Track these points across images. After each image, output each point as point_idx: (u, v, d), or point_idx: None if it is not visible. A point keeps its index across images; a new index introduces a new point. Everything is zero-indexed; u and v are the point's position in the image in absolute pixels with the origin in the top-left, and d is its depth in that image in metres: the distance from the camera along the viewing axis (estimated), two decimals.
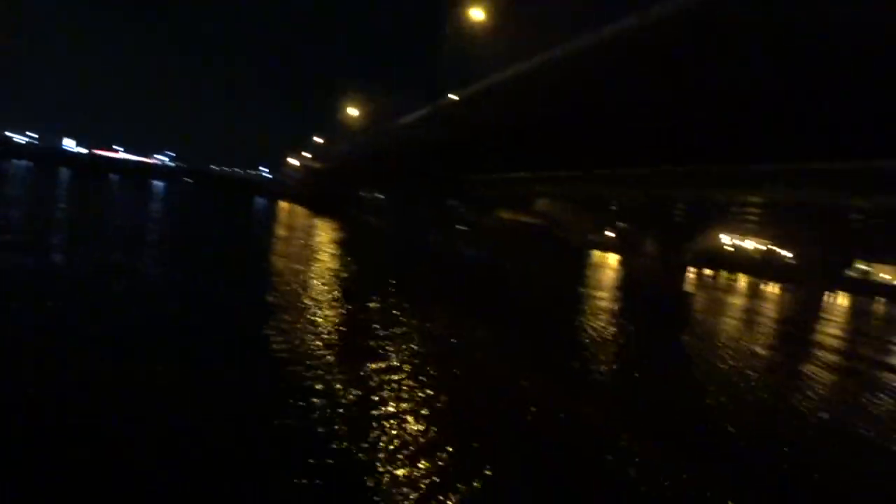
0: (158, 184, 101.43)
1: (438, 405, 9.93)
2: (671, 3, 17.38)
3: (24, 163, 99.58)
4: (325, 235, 41.59)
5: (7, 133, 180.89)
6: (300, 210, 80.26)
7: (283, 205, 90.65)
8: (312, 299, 17.10)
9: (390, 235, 57.49)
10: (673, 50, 18.72)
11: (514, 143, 36.04)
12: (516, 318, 20.50)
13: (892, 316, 52.15)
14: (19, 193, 41.73)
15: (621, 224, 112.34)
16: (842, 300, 60.40)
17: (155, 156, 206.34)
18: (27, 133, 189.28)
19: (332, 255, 30.74)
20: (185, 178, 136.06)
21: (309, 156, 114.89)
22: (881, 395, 15.41)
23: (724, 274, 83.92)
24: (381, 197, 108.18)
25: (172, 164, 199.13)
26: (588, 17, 22.98)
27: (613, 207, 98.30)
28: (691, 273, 67.99)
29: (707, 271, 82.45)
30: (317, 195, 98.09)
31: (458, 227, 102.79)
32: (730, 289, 52.98)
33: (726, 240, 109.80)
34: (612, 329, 19.19)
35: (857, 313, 45.43)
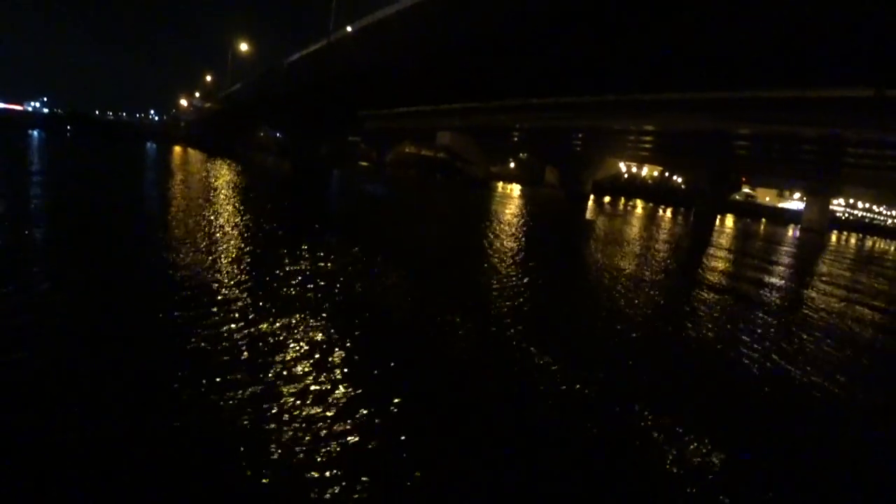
0: (34, 133, 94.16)
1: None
2: None
3: None
4: (222, 178, 39.90)
5: None
6: (195, 153, 76.67)
7: (177, 149, 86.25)
8: (210, 238, 16.50)
9: (290, 175, 55.92)
10: None
11: (412, 76, 35.40)
12: (415, 250, 20.40)
13: (771, 235, 55.61)
14: None
15: (522, 155, 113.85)
16: (729, 223, 63.86)
17: (28, 102, 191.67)
18: None
19: (230, 196, 29.57)
20: (67, 127, 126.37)
21: (200, 96, 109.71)
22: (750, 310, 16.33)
23: (622, 200, 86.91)
24: (279, 136, 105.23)
25: (46, 110, 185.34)
26: None
27: (515, 139, 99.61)
28: (591, 201, 70.18)
29: (606, 199, 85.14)
30: (212, 137, 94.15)
31: (360, 163, 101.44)
32: (627, 214, 54.84)
33: (623, 167, 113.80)
34: (509, 260, 19.39)
35: (742, 235, 48.08)
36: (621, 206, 68.32)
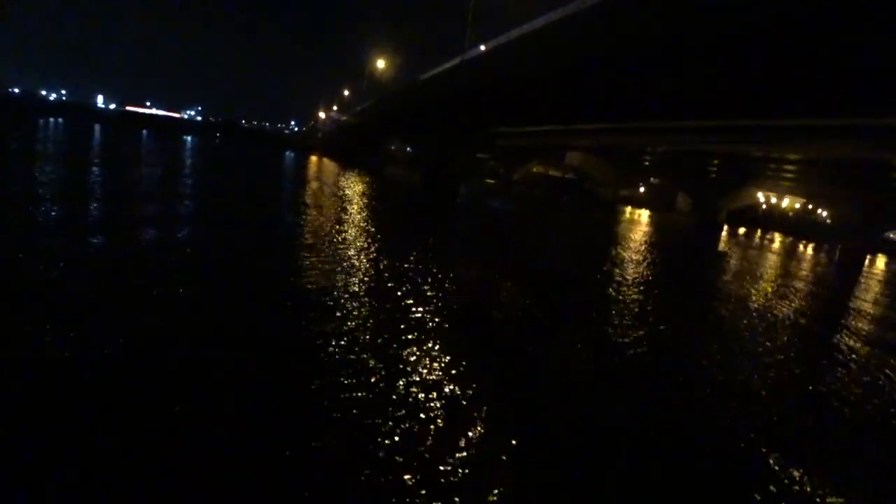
0: (188, 138, 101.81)
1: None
2: None
3: (54, 120, 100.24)
4: (355, 188, 41.32)
5: (42, 92, 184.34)
6: (329, 163, 79.95)
7: (313, 158, 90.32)
8: (336, 249, 17.11)
9: (419, 188, 57.00)
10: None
11: (544, 94, 35.07)
12: (533, 270, 19.97)
13: None
14: (62, 151, 42.11)
15: (654, 179, 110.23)
16: (881, 263, 58.57)
17: (185, 111, 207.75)
18: (59, 90, 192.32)
19: (361, 206, 30.50)
20: (216, 134, 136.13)
21: (337, 109, 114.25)
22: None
23: (758, 233, 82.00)
24: (410, 150, 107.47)
25: (200, 118, 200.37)
26: None
27: (646, 162, 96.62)
28: (724, 231, 66.69)
29: (741, 229, 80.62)
30: (345, 148, 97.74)
31: (487, 180, 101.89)
32: (764, 248, 51.47)
33: (761, 197, 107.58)
34: (636, 292, 18.46)
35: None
36: (757, 239, 64.40)
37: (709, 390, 10.24)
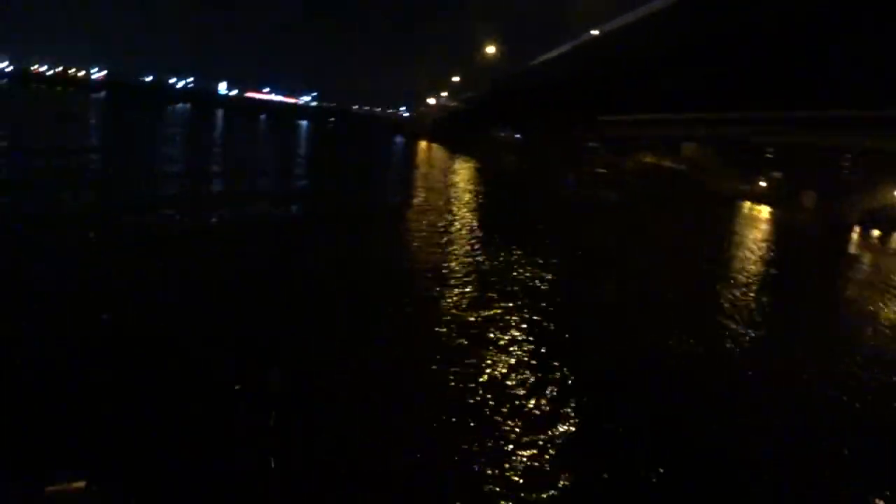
0: (303, 123, 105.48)
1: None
2: None
3: (181, 106, 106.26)
4: (462, 174, 41.16)
5: (170, 80, 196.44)
6: (437, 149, 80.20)
7: (422, 143, 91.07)
8: (440, 242, 17.32)
9: (527, 175, 55.94)
10: None
11: (656, 80, 33.11)
12: (633, 270, 18.52)
13: None
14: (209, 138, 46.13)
15: (776, 173, 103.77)
16: None
17: (300, 96, 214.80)
18: (186, 78, 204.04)
19: (470, 192, 30.49)
20: (329, 119, 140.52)
21: (446, 95, 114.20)
22: None
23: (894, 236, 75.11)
24: (519, 137, 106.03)
25: (315, 103, 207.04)
26: None
27: (769, 154, 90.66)
28: (856, 232, 61.33)
29: (875, 232, 74.27)
30: (454, 134, 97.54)
31: (596, 169, 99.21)
32: None
33: None
34: (743, 298, 16.59)
35: None
36: (895, 243, 58.84)
37: None
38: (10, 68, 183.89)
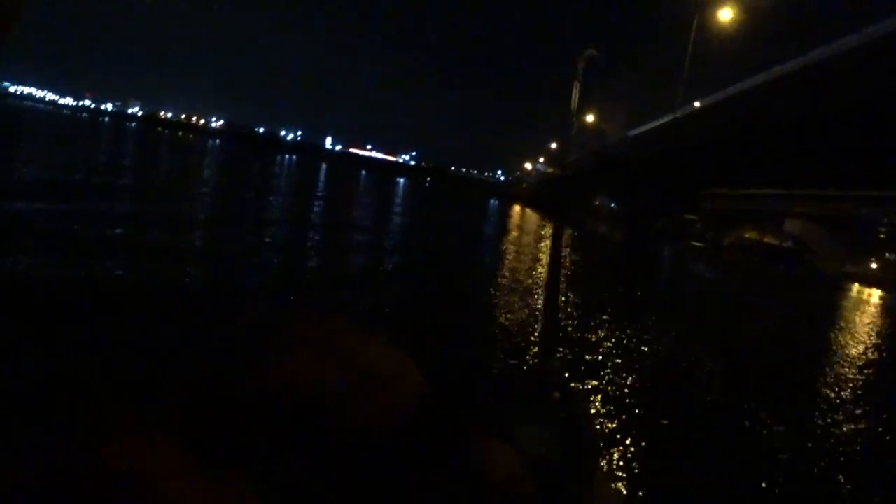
0: (400, 180, 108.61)
1: None
2: None
3: (289, 157, 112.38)
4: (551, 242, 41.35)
5: (282, 132, 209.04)
6: (531, 214, 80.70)
7: (516, 207, 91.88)
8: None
9: (620, 246, 55.38)
10: None
11: (762, 154, 32.67)
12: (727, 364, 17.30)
13: None
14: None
15: (889, 254, 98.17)
16: None
17: (401, 154, 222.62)
18: (295, 131, 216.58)
19: (560, 261, 30.49)
20: (427, 178, 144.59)
21: (543, 161, 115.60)
22: None
23: None
24: (614, 206, 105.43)
25: (414, 162, 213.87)
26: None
27: (881, 234, 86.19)
28: None
29: None
30: (549, 200, 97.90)
31: (694, 243, 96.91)
32: None
33: None
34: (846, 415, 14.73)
35: None
36: None
37: None
38: (140, 113, 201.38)
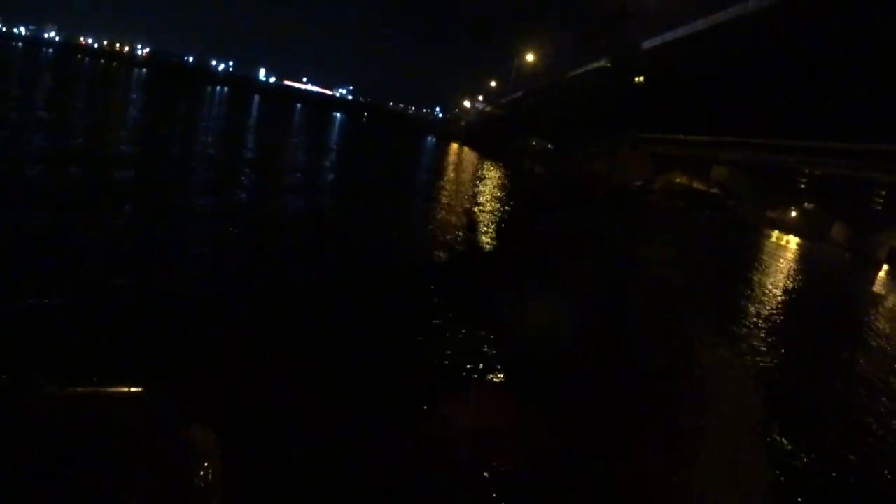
0: (337, 115, 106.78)
1: None
2: None
3: (220, 89, 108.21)
4: (491, 181, 41.32)
5: (212, 62, 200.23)
6: (468, 152, 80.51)
7: (453, 145, 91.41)
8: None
9: (555, 186, 55.88)
10: None
11: (695, 100, 33.11)
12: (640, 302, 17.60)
13: None
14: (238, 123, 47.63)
15: (807, 204, 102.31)
16: None
17: (337, 89, 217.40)
18: (227, 62, 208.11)
19: (492, 197, 31.07)
20: (364, 114, 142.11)
21: (482, 99, 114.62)
22: None
23: None
24: (550, 147, 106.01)
25: (351, 97, 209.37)
26: None
27: (801, 184, 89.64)
28: (884, 270, 60.29)
29: None
30: (486, 139, 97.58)
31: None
32: None
33: None
34: (755, 333, 15.98)
35: None
36: None
37: None
38: (58, 38, 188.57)
